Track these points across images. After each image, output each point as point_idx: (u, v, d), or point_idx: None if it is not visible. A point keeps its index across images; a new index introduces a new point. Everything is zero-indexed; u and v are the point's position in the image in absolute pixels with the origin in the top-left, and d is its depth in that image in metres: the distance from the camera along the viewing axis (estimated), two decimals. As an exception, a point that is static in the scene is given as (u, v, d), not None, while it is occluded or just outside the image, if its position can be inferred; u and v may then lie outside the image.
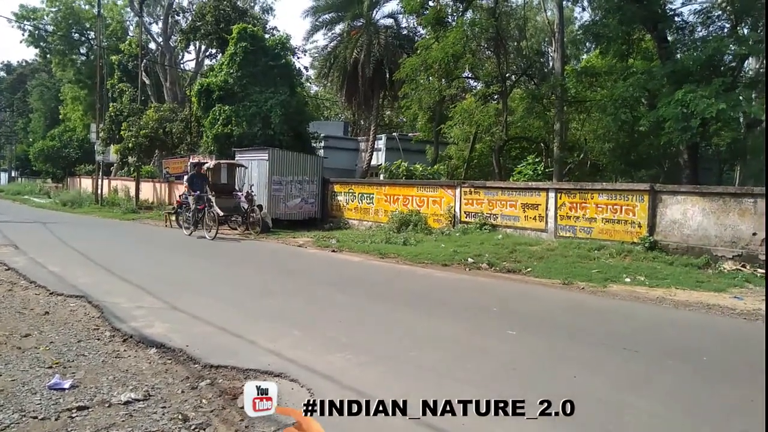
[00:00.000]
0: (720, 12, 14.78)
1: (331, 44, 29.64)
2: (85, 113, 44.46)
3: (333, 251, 13.74)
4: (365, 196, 18.66)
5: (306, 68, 33.09)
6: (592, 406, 4.19)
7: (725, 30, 14.66)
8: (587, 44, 18.32)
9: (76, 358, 5.01)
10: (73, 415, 3.83)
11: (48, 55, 47.06)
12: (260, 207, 17.86)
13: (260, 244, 15.36)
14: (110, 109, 33.03)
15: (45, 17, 44.36)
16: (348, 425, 3.62)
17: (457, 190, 15.59)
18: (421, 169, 19.77)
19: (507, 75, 20.35)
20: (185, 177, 18.18)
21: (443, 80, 21.21)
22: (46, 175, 50.04)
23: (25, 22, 44.16)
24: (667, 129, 12.64)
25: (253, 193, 18.19)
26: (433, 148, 24.87)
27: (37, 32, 44.70)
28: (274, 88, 21.79)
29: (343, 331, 6.16)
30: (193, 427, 3.74)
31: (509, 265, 11.10)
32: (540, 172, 17.33)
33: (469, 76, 22.75)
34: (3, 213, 23.79)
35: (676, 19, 15.46)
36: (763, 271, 9.85)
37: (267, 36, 25.35)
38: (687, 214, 11.25)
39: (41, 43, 45.54)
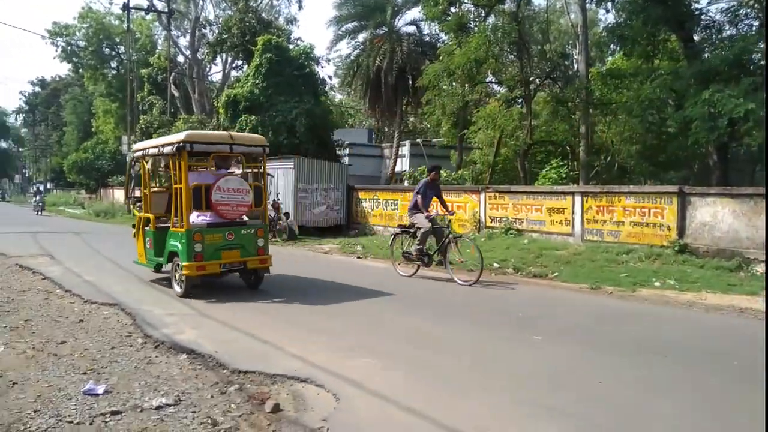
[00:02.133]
0: (748, 10, 14.48)
1: (355, 53, 29.91)
2: (117, 126, 45.58)
3: (358, 258, 13.83)
4: (390, 202, 18.73)
5: (330, 77, 33.34)
6: (618, 412, 4.16)
7: (753, 28, 14.36)
8: (612, 46, 18.11)
9: (110, 365, 5.17)
10: (107, 419, 3.96)
11: (80, 70, 48.42)
12: (287, 215, 18.08)
13: (286, 250, 15.54)
14: (141, 121, 33.84)
15: (77, 33, 45.70)
16: None
17: (482, 195, 15.55)
18: (445, 174, 19.77)
19: (531, 79, 20.24)
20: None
21: (466, 85, 21.19)
22: (80, 186, 51.34)
23: (58, 39, 45.55)
24: (695, 130, 12.43)
25: (279, 201, 18.43)
26: (457, 154, 24.84)
27: (69, 48, 46.05)
28: (298, 98, 22.06)
29: (367, 337, 6.23)
30: (221, 431, 3.83)
31: (535, 269, 11.03)
32: (565, 176, 17.17)
33: (492, 80, 22.69)
34: (39, 224, 24.52)
35: (703, 18, 15.20)
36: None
37: (291, 46, 25.70)
38: (717, 216, 11.03)
39: (74, 59, 46.90)
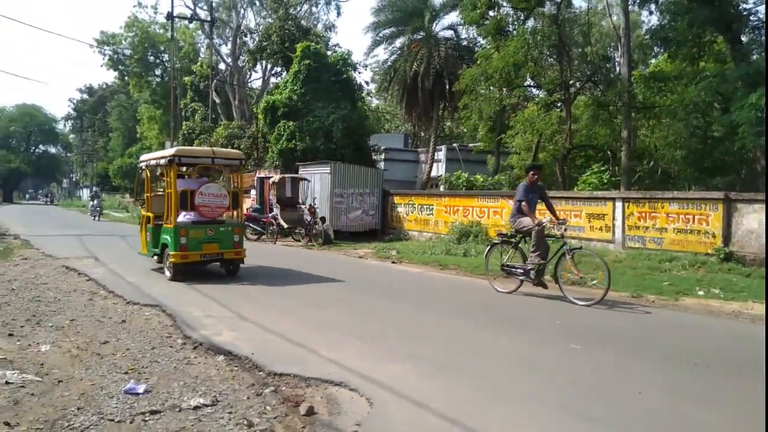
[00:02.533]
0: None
1: (392, 58, 29.99)
2: (161, 132, 46.90)
3: (393, 262, 13.83)
4: (425, 207, 18.68)
5: (367, 82, 33.57)
6: (658, 422, 4.04)
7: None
8: (655, 48, 17.69)
9: (150, 365, 5.30)
10: (147, 418, 4.05)
11: (126, 78, 50.04)
12: (323, 219, 18.24)
13: (322, 255, 15.66)
14: (183, 127, 34.73)
15: (123, 42, 47.28)
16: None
17: (519, 201, 15.35)
18: (481, 179, 19.61)
19: (571, 82, 19.92)
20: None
21: (504, 89, 21.00)
22: (125, 190, 52.92)
23: (106, 47, 47.20)
24: (741, 134, 12.02)
25: (315, 206, 18.60)
26: (494, 158, 24.61)
27: (116, 56, 47.67)
28: (336, 103, 22.27)
29: (401, 341, 6.21)
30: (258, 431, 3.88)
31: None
32: (606, 181, 16.80)
33: (531, 84, 22.43)
34: (85, 227, 25.38)
35: (751, 18, 14.70)
36: None
37: (329, 53, 25.98)
38: (765, 223, 10.61)
39: (120, 66, 48.51)
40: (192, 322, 6.91)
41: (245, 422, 4.01)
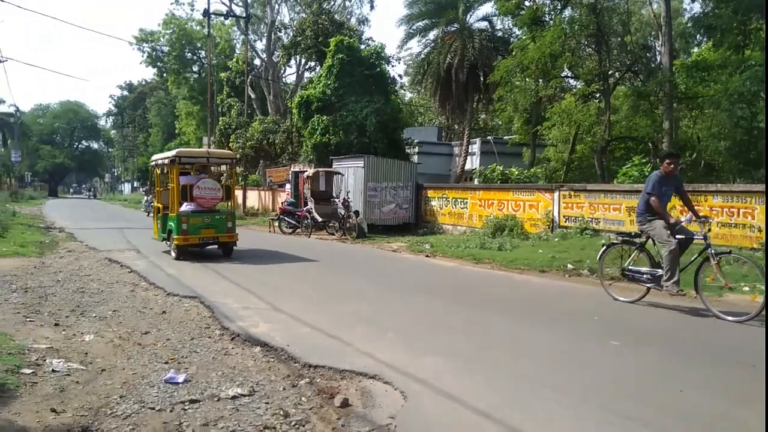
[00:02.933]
0: None
1: (425, 50, 29.83)
2: (198, 127, 47.73)
3: (426, 256, 13.79)
4: (459, 200, 18.55)
5: (400, 76, 33.49)
6: (699, 421, 3.92)
7: None
8: (698, 37, 17.11)
9: (189, 355, 5.41)
10: (186, 407, 4.14)
11: (164, 74, 51.07)
12: (357, 213, 18.30)
13: (356, 248, 15.73)
14: (220, 123, 35.29)
15: (161, 39, 48.25)
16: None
17: (556, 194, 15.10)
18: (517, 172, 19.37)
19: (609, 72, 19.45)
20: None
21: (540, 81, 20.64)
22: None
23: (144, 45, 48.26)
24: (790, 124, 11.53)
25: (349, 200, 18.67)
26: (529, 151, 24.25)
27: (154, 53, 48.70)
28: (369, 97, 22.27)
29: (435, 335, 6.19)
30: (293, 423, 3.92)
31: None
32: (647, 174, 16.34)
33: (568, 75, 22.00)
34: (127, 220, 26.10)
35: (802, 3, 14.05)
36: None
37: (362, 46, 25.97)
38: (817, 217, 10.17)
39: (158, 64, 49.54)
40: (229, 314, 7.03)
41: (281, 413, 4.06)
